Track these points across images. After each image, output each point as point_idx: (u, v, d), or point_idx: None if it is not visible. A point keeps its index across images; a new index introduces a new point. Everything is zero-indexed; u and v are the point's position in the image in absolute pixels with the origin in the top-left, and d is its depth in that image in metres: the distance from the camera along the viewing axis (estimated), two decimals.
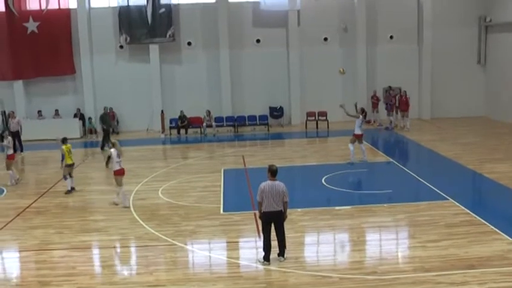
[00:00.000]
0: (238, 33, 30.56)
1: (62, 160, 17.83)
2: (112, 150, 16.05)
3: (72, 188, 17.91)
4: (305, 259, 11.64)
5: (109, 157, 16.25)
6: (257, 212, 11.68)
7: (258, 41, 30.80)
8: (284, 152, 24.32)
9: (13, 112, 26.44)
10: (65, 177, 17.91)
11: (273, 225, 11.12)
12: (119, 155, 15.89)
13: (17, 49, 30.27)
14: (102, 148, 24.48)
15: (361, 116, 20.53)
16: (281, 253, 11.25)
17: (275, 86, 30.91)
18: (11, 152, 19.74)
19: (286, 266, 10.95)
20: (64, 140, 17.87)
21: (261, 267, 11.01)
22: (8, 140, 19.95)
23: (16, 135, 24.62)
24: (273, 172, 11.14)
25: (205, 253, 12.17)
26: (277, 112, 30.98)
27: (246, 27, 30.73)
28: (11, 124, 25.26)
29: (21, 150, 25.13)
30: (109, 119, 26.38)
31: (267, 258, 11.09)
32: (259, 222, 11.43)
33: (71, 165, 17.88)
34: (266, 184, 11.05)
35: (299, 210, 14.42)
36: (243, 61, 30.79)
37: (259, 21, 30.53)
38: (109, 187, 18.24)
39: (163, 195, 16.96)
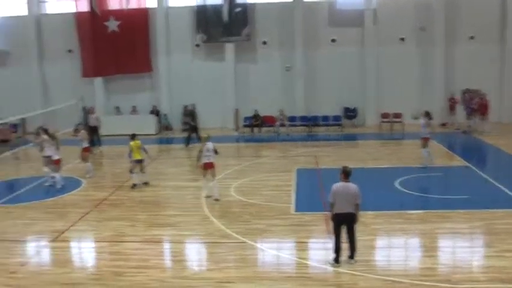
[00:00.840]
0: (313, 33, 30.44)
1: (129, 156, 18.22)
2: (208, 143, 16.42)
3: (146, 183, 18.35)
4: (376, 263, 11.42)
5: (200, 151, 16.56)
6: (328, 213, 11.56)
7: (333, 40, 30.53)
8: (357, 154, 23.97)
9: (93, 108, 27.37)
10: (131, 172, 18.35)
11: (344, 227, 10.99)
12: (208, 149, 16.26)
13: (98, 47, 31.39)
14: (187, 144, 24.98)
15: (422, 119, 19.86)
16: (351, 256, 11.10)
17: (349, 86, 30.56)
18: (85, 145, 20.54)
19: (357, 269, 10.79)
20: (133, 137, 18.22)
21: (330, 269, 10.90)
22: (82, 133, 20.70)
23: (94, 130, 25.62)
24: (346, 173, 11.01)
25: (274, 252, 12.16)
26: (351, 113, 30.66)
27: (321, 27, 30.55)
28: (90, 119, 26.18)
29: (99, 145, 26.00)
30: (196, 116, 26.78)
31: (337, 260, 10.98)
32: (331, 223, 11.29)
33: (140, 161, 18.25)
34: (339, 185, 10.93)
35: (371, 213, 14.16)
36: (317, 61, 30.65)
37: (335, 20, 30.27)
38: (182, 183, 18.58)
39: (235, 193, 17.09)
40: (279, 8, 30.69)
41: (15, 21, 32.84)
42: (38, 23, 32.77)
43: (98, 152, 25.25)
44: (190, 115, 26.65)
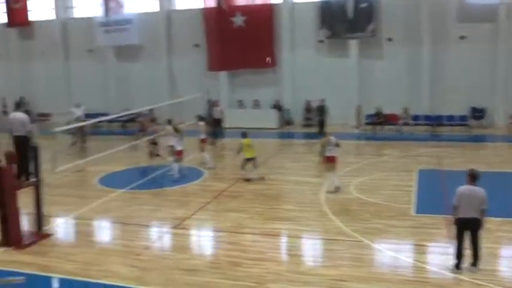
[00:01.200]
0: (441, 29, 29.25)
1: (238, 153, 18.45)
2: (331, 137, 16.95)
3: (262, 178, 18.52)
4: (501, 273, 10.81)
5: (323, 145, 16.91)
6: (451, 217, 11.11)
7: (462, 37, 29.15)
8: (485, 156, 22.81)
9: (217, 101, 28.16)
10: (242, 168, 18.54)
11: (467, 232, 10.51)
12: (331, 143, 16.77)
13: (225, 42, 32.20)
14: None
15: None
16: (474, 263, 10.60)
17: (478, 86, 29.06)
18: (203, 136, 21.57)
19: (479, 277, 10.27)
20: (244, 135, 18.47)
21: (450, 275, 10.48)
22: (200, 125, 21.76)
23: (218, 123, 26.43)
24: (473, 176, 10.51)
25: (392, 253, 11.87)
26: (479, 113, 29.23)
27: (449, 23, 29.27)
28: (214, 112, 26.95)
29: (222, 137, 26.73)
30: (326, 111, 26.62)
31: (458, 266, 10.54)
32: (453, 228, 10.84)
33: (251, 159, 18.44)
34: (465, 188, 10.47)
35: (497, 219, 13.43)
36: (445, 58, 29.44)
37: (465, 15, 28.85)
38: (302, 178, 18.65)
39: (355, 191, 16.89)
40: (405, 3, 29.83)
41: (147, 17, 34.55)
42: (168, 18, 34.23)
43: (220, 144, 25.94)
44: (319, 110, 26.43)
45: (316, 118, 29.22)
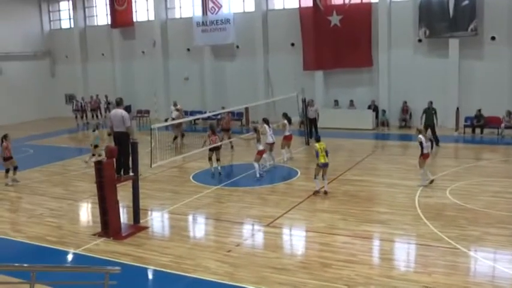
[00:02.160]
0: None
1: (317, 157, 16.80)
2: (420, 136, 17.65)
3: (325, 192, 16.81)
4: None
5: (421, 143, 17.44)
6: None
7: None
8: None
9: (312, 100, 28.10)
10: (315, 177, 16.99)
11: None
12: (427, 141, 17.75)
13: (321, 41, 32.09)
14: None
15: None
16: None
17: None
18: (286, 133, 22.16)
19: None
20: (318, 139, 17.29)
21: None
22: (284, 123, 22.29)
23: (313, 122, 26.78)
24: None
25: (489, 263, 11.39)
26: None
27: None
28: (309, 111, 26.95)
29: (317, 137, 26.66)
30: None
31: None
32: None
33: (325, 165, 16.79)
34: None
35: None
36: None
37: None
38: (396, 180, 18.28)
39: (451, 195, 16.35)
40: (510, 0, 28.42)
41: (244, 17, 35.03)
42: (264, 18, 34.49)
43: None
44: (425, 113, 25.27)
45: (422, 121, 25.65)
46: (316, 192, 16.86)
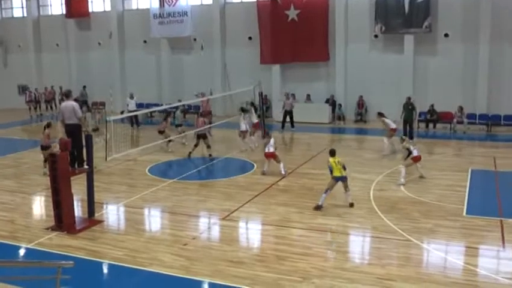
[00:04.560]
0: (501, 25, 28.25)
1: (331, 173, 15.16)
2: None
3: (351, 204, 15.18)
4: None
5: (408, 149, 18.15)
6: (504, 220, 10.79)
7: None
8: None
9: (288, 93, 29.69)
10: (326, 191, 15.09)
11: None
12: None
13: (278, 35, 32.19)
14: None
15: None
16: None
17: None
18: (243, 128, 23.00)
19: None
20: (332, 153, 15.41)
21: (503, 280, 10.17)
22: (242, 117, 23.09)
23: (289, 114, 28.81)
24: None
25: (441, 254, 11.64)
26: None
27: (509, 19, 28.23)
28: (285, 104, 28.89)
29: (292, 126, 28.74)
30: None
31: None
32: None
33: (340, 179, 15.12)
34: None
35: None
36: (504, 56, 28.47)
37: None
38: (352, 174, 18.40)
39: (405, 189, 16.64)
40: None
41: (202, 10, 34.83)
42: (222, 11, 34.36)
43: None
44: (403, 108, 25.37)
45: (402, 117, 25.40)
46: (318, 207, 14.90)
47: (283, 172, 18.59)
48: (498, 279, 10.21)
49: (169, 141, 22.79)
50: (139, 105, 31.65)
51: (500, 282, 10.12)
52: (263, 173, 18.72)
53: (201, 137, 21.40)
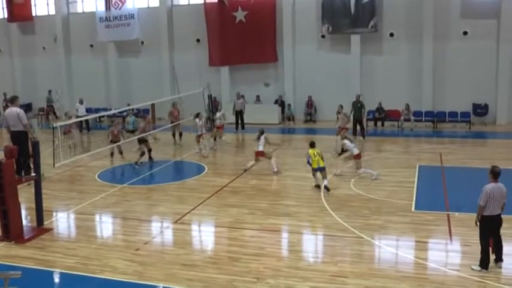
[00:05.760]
0: (443, 25, 29.11)
1: (308, 163, 16.76)
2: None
3: (327, 189, 16.33)
4: (504, 270, 10.53)
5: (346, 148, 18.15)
6: (451, 214, 11.05)
7: (465, 33, 29.04)
8: (486, 153, 22.66)
9: (238, 93, 30.02)
10: (314, 175, 16.84)
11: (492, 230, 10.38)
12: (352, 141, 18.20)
13: (226, 37, 32.19)
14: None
15: None
16: (500, 258, 10.53)
17: (480, 82, 28.92)
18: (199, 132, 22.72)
19: (480, 274, 10.18)
20: (312, 144, 16.90)
21: (451, 272, 10.44)
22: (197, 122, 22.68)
23: (239, 114, 29.03)
24: (496, 174, 10.39)
25: (392, 250, 11.85)
26: (481, 109, 29.13)
27: (452, 19, 29.12)
28: (236, 103, 29.20)
29: (243, 128, 28.99)
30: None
31: (487, 265, 10.38)
32: (477, 226, 10.58)
33: (319, 169, 16.58)
34: (492, 186, 10.27)
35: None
36: (447, 54, 29.30)
37: (468, 11, 28.69)
38: (302, 173, 18.57)
39: (355, 187, 16.87)
40: None
41: (149, 12, 34.54)
42: (169, 13, 34.16)
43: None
44: (352, 106, 25.55)
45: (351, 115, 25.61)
46: (317, 186, 16.75)
47: (275, 169, 18.97)
48: (446, 271, 10.46)
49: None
50: (88, 110, 31.13)
51: (449, 274, 10.37)
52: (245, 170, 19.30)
53: (142, 141, 20.99)
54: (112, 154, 21.23)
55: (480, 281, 9.97)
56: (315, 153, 16.49)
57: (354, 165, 18.17)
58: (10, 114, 14.16)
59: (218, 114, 25.30)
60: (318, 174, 16.75)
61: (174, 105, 25.83)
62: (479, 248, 10.43)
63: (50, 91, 36.01)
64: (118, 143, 21.06)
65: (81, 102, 29.33)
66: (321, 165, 16.43)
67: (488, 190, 10.26)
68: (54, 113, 34.86)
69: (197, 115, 22.81)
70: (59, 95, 35.49)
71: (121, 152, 21.72)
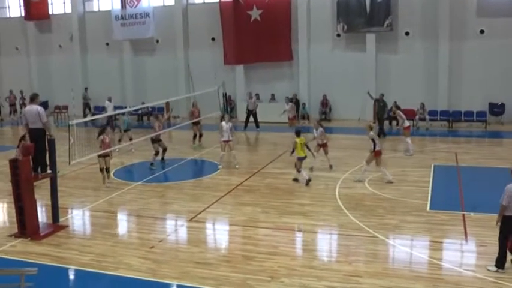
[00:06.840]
0: (460, 23, 28.91)
1: (293, 152, 17.47)
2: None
3: (308, 180, 17.15)
4: None
5: (373, 139, 17.61)
6: (467, 214, 10.95)
7: (481, 31, 28.83)
8: (503, 152, 22.52)
9: (250, 93, 30.02)
10: (298, 170, 17.37)
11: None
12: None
13: (241, 36, 32.17)
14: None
15: None
16: None
17: (497, 81, 28.65)
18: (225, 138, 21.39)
19: (496, 275, 10.11)
20: (298, 133, 17.43)
21: (466, 272, 10.37)
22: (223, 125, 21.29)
23: (252, 113, 28.85)
24: None
25: (406, 249, 11.80)
26: (497, 109, 28.86)
27: (469, 17, 28.90)
28: (248, 103, 29.13)
29: (257, 127, 28.72)
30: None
31: (501, 265, 10.24)
32: (498, 227, 10.48)
33: (303, 158, 17.42)
34: None
35: None
36: (463, 53, 29.10)
37: (485, 10, 28.46)
38: (316, 172, 18.55)
39: (370, 186, 16.82)
40: None
41: (164, 11, 34.65)
42: (184, 12, 34.23)
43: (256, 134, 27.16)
44: (379, 105, 25.72)
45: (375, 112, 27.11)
46: (307, 181, 17.08)
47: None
48: (461, 272, 10.40)
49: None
50: (102, 109, 31.28)
51: (464, 274, 10.30)
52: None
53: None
54: (102, 170, 17.84)
55: (496, 282, 9.88)
56: (302, 144, 17.13)
57: (368, 160, 17.77)
58: (30, 112, 14.27)
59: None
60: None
61: (194, 105, 24.69)
62: (497, 248, 10.34)
63: (86, 88, 36.30)
64: (108, 157, 17.95)
65: (109, 100, 29.56)
66: (304, 154, 17.27)
67: (511, 190, 10.14)
68: (90, 109, 35.13)
69: (222, 117, 21.32)
70: (73, 93, 35.70)
71: (108, 170, 18.11)
